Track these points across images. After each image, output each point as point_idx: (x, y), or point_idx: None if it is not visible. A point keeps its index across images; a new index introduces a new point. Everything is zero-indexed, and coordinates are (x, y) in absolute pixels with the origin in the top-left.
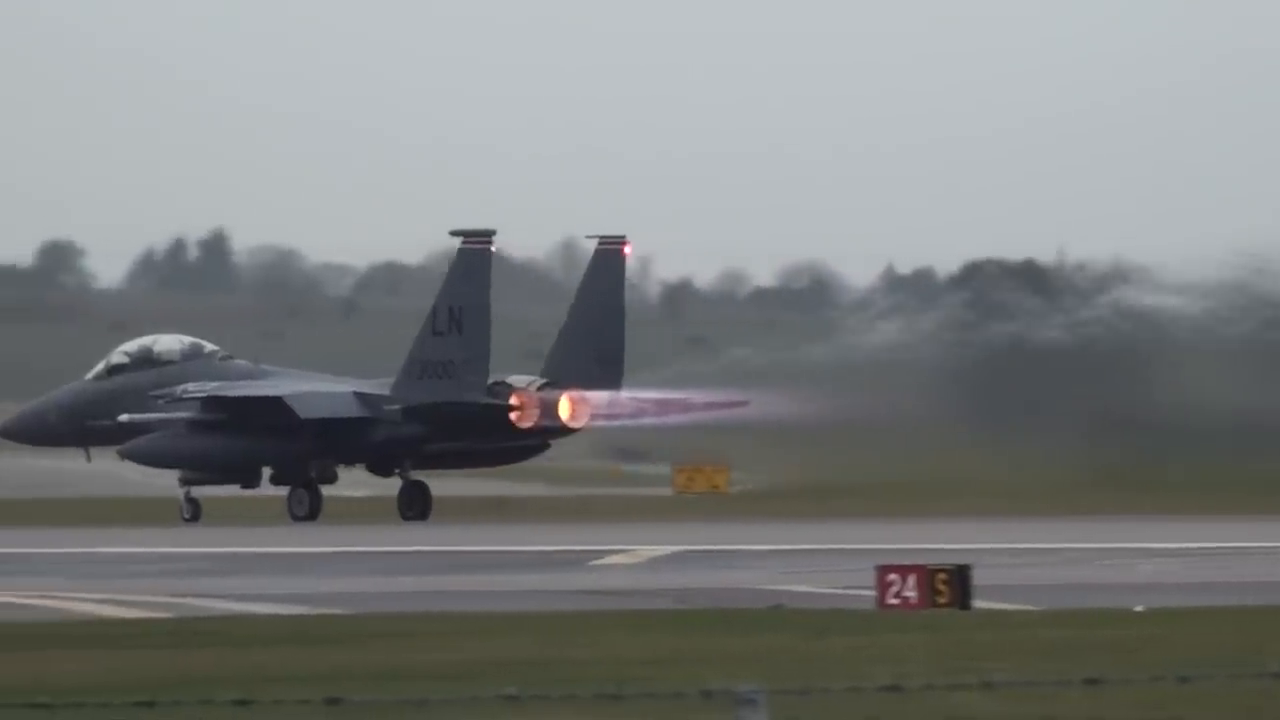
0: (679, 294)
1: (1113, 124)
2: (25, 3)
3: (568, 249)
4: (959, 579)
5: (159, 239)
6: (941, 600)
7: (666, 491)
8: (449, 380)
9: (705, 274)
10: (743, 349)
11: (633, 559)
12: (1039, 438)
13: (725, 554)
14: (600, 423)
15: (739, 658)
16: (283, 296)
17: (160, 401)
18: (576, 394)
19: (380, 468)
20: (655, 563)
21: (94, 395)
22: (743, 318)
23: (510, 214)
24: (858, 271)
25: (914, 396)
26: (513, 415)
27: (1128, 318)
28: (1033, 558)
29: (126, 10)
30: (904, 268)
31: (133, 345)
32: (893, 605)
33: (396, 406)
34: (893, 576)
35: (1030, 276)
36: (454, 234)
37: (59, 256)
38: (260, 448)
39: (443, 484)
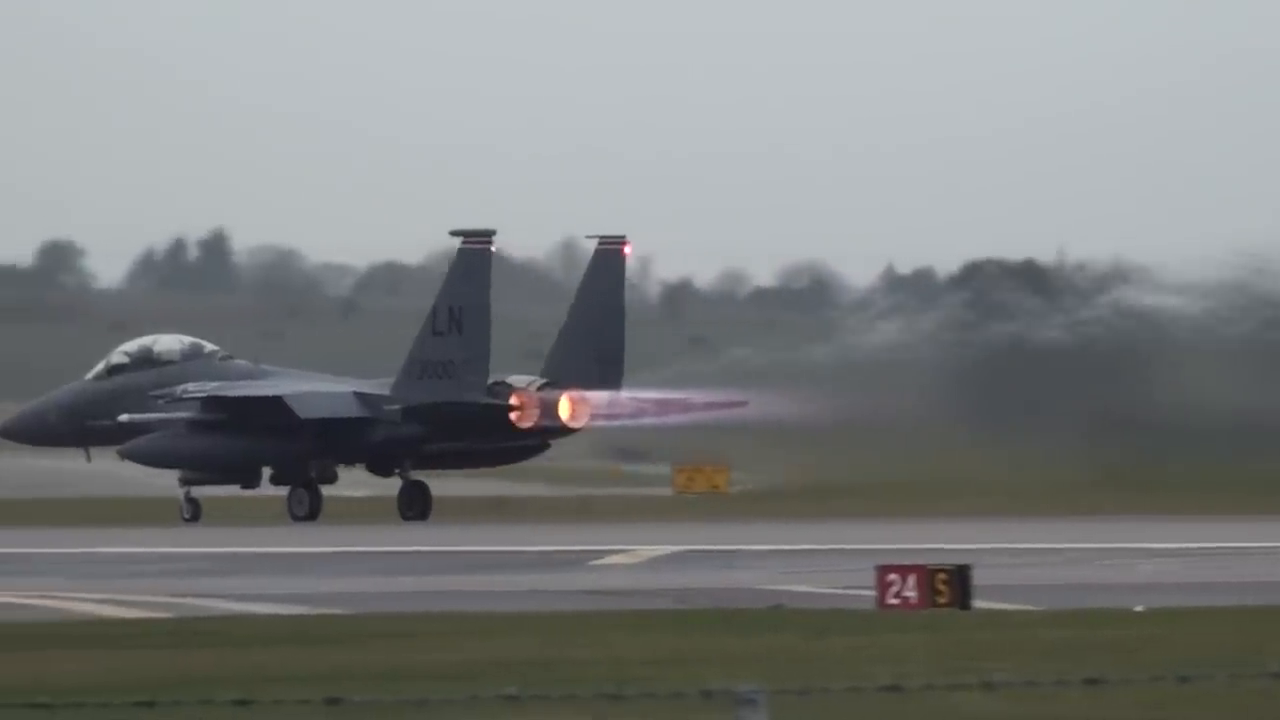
0: (679, 294)
1: (1113, 124)
2: (25, 3)
3: (568, 249)
4: (959, 579)
5: (159, 239)
6: (941, 600)
7: (666, 491)
8: (449, 380)
9: (705, 274)
10: (743, 349)
11: (633, 559)
12: (1039, 438)
13: (725, 554)
14: (600, 423)
15: (739, 658)
16: (283, 296)
17: (160, 401)
18: (576, 394)
19: (380, 468)
20: (655, 563)
21: (94, 395)
22: (743, 318)
23: (510, 214)
24: (858, 271)
25: (914, 396)
26: (513, 415)
27: (1128, 318)
28: (1033, 558)
29: (126, 10)
30: (904, 268)
31: (133, 345)
32: (893, 605)
33: (396, 406)
34: (893, 576)
35: (1030, 276)
36: (454, 234)
37: (59, 256)
38: (260, 448)
39: (443, 484)
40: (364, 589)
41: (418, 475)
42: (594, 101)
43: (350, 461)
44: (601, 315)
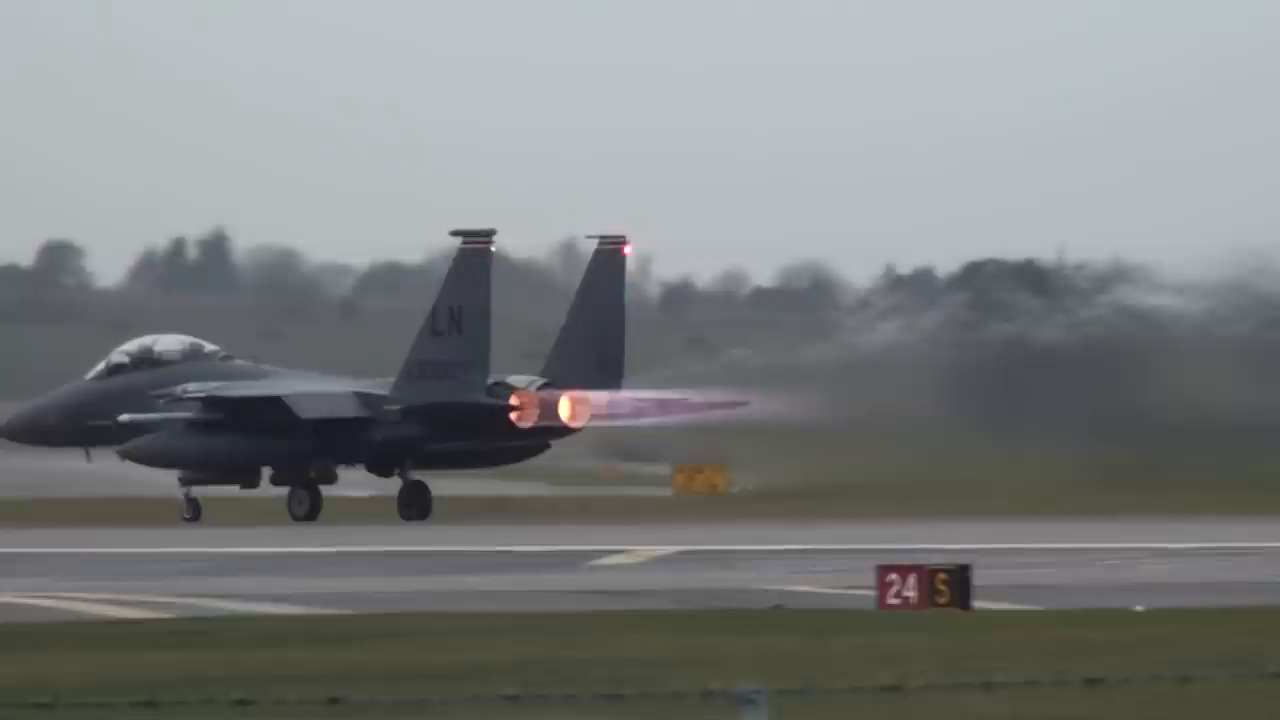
0: (679, 294)
1: (1112, 124)
2: (25, 3)
3: (568, 249)
4: (959, 579)
5: (159, 239)
6: (941, 600)
7: (666, 491)
8: (449, 380)
9: (705, 274)
10: (743, 349)
11: (633, 559)
12: (1039, 437)
13: (725, 554)
14: (600, 423)
15: (739, 658)
16: (283, 297)
17: (160, 401)
18: (576, 394)
19: (380, 468)
20: (655, 563)
21: (94, 395)
22: (743, 318)
23: (510, 214)
24: (858, 271)
25: (914, 396)
26: (513, 415)
27: (1128, 317)
28: (1033, 558)
29: (127, 10)
30: (904, 268)
31: (133, 345)
32: (893, 605)
33: (396, 406)
34: (893, 576)
35: (1030, 276)
36: (454, 234)
37: (59, 256)
38: (260, 448)
39: (443, 484)
40: (364, 589)
41: (418, 475)
42: (593, 101)
43: (350, 461)
44: (601, 315)
